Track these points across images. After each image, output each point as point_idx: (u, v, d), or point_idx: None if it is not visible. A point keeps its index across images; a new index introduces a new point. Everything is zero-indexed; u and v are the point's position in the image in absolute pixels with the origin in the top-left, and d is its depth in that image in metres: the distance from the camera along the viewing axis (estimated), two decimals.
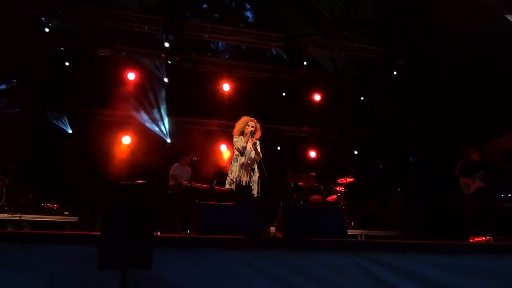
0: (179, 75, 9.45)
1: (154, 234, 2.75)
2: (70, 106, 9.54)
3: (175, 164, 7.67)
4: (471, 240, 5.93)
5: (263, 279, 3.25)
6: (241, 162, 5.32)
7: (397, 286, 3.43)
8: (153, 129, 10.08)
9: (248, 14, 14.09)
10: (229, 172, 5.39)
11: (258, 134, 5.48)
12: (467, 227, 6.27)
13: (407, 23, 8.69)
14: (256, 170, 5.37)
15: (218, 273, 3.20)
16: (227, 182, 5.38)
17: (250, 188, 5.28)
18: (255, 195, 5.28)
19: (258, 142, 5.39)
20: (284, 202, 7.83)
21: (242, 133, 5.46)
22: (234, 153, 5.46)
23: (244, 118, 5.53)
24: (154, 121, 10.04)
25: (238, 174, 5.27)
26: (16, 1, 7.85)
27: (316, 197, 8.56)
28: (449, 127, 9.04)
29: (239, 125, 5.51)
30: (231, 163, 5.46)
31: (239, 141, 5.37)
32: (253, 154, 5.33)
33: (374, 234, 8.13)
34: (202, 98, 9.94)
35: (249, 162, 5.32)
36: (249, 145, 5.30)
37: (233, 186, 5.28)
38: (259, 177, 5.37)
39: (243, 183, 5.25)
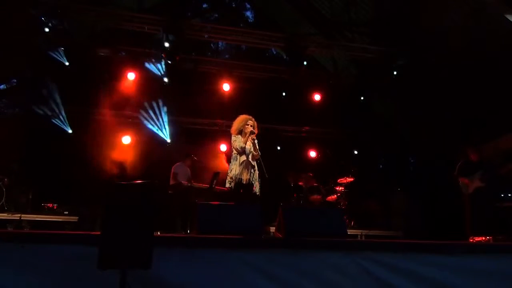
0: (179, 75, 9.45)
1: (154, 234, 2.75)
2: (70, 106, 9.53)
3: (176, 163, 7.68)
4: (471, 240, 5.94)
5: (263, 279, 3.26)
6: (241, 161, 5.32)
7: (397, 286, 3.43)
8: (153, 129, 10.08)
9: (248, 14, 14.12)
10: (228, 171, 5.39)
11: (256, 132, 5.49)
12: (467, 227, 6.27)
13: (407, 23, 8.69)
14: (256, 167, 5.37)
15: (218, 272, 3.20)
16: (227, 181, 5.38)
17: (252, 185, 5.27)
18: (257, 193, 5.29)
19: (256, 140, 5.39)
20: (284, 202, 7.84)
21: (240, 132, 5.45)
22: (233, 152, 5.45)
23: (243, 117, 5.51)
24: (154, 121, 10.04)
25: (238, 173, 5.27)
26: (16, 1, 7.85)
27: (316, 197, 8.57)
28: (449, 127, 9.04)
29: (237, 124, 5.49)
30: (230, 162, 5.46)
31: (237, 141, 5.36)
32: (251, 151, 5.34)
33: (374, 234, 8.13)
34: (202, 98, 9.93)
35: (249, 160, 5.32)
36: (249, 143, 5.30)
37: (232, 185, 5.27)
38: (258, 176, 5.37)
39: (244, 181, 5.25)
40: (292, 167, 9.33)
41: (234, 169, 5.31)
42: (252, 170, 5.33)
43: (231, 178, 5.30)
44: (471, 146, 6.65)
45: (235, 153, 5.38)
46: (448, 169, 6.85)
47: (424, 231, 7.91)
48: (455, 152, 7.47)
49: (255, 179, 5.33)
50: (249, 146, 5.31)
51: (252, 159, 5.33)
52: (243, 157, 5.32)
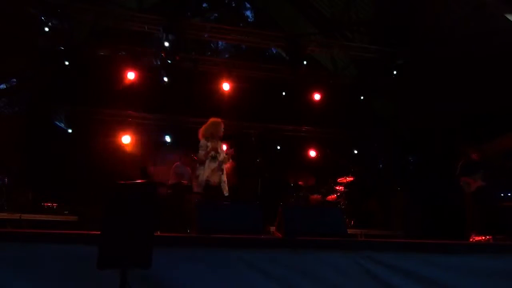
0: (179, 75, 9.45)
1: (154, 233, 2.75)
2: (70, 105, 9.53)
3: (176, 163, 7.68)
4: (471, 240, 5.94)
5: (262, 278, 3.26)
6: (212, 167, 5.31)
7: (397, 285, 3.43)
8: (152, 128, 10.08)
9: (248, 13, 14.14)
10: (195, 176, 5.38)
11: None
12: (469, 226, 6.27)
13: (407, 23, 8.68)
14: (224, 171, 5.42)
15: (218, 272, 3.20)
16: (195, 185, 5.37)
17: (220, 188, 5.30)
18: (226, 194, 5.34)
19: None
20: (284, 202, 7.85)
21: (211, 136, 5.44)
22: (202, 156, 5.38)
23: (216, 120, 5.54)
24: (153, 120, 10.04)
25: (208, 176, 5.26)
26: (16, 0, 7.84)
27: (316, 196, 8.57)
28: (449, 127, 9.04)
29: (212, 128, 5.50)
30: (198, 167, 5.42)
31: (209, 146, 5.36)
32: (222, 156, 5.38)
33: (374, 234, 8.13)
34: (202, 98, 9.94)
35: (217, 163, 5.34)
36: (219, 146, 5.35)
37: (200, 189, 5.28)
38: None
39: (213, 184, 5.26)
40: (292, 166, 9.33)
41: (202, 174, 5.28)
42: (221, 173, 5.34)
43: (199, 183, 5.27)
44: (472, 145, 6.66)
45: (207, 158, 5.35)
46: (448, 168, 6.85)
47: (424, 231, 7.92)
48: (455, 151, 7.47)
49: (224, 182, 5.37)
50: (220, 148, 5.36)
51: (221, 164, 5.35)
52: (214, 164, 5.32)
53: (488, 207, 6.19)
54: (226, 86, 9.56)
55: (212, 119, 5.58)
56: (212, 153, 5.28)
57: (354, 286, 3.37)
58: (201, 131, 5.53)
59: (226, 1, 13.72)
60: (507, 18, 7.05)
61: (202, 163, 5.33)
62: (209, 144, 5.37)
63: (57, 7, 7.56)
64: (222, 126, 5.49)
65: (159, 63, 8.81)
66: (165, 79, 9.17)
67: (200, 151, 5.34)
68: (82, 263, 2.86)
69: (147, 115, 10.02)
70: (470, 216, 6.28)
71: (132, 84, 9.27)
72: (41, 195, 8.03)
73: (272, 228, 6.18)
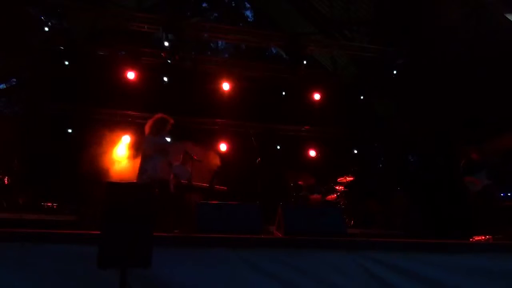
0: (179, 74, 9.44)
1: (154, 233, 2.75)
2: (69, 105, 9.52)
3: (176, 163, 7.66)
4: (471, 240, 5.93)
5: (262, 277, 3.26)
6: (161, 163, 5.36)
7: (396, 285, 3.43)
8: None
9: (248, 13, 14.14)
10: (148, 172, 5.29)
11: None
12: (473, 225, 6.25)
13: (407, 23, 8.68)
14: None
15: (217, 271, 3.20)
16: (142, 178, 5.31)
17: (167, 183, 5.53)
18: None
19: None
20: (283, 201, 7.84)
21: (157, 131, 5.46)
22: (151, 151, 5.37)
23: (163, 117, 5.55)
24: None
25: (158, 172, 5.29)
26: (16, 0, 7.84)
27: (316, 196, 8.56)
28: (448, 126, 9.04)
29: (159, 124, 5.49)
30: (144, 162, 5.37)
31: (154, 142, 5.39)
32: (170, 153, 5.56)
33: (374, 234, 8.12)
34: (201, 97, 9.93)
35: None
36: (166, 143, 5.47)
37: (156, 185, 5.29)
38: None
39: (159, 179, 5.32)
40: (291, 166, 9.32)
41: (152, 168, 5.26)
42: (168, 169, 5.56)
43: (148, 176, 5.21)
44: (473, 145, 6.66)
45: (153, 153, 5.34)
46: (448, 168, 6.85)
47: (424, 231, 7.91)
48: (454, 151, 7.47)
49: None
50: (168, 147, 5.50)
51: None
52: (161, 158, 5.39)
53: (495, 205, 6.18)
54: (226, 86, 9.55)
55: (159, 115, 5.58)
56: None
57: (353, 286, 3.37)
58: (148, 126, 5.53)
59: (226, 1, 13.73)
60: (507, 18, 7.05)
61: (150, 158, 5.33)
62: (158, 141, 5.41)
63: (57, 7, 7.56)
64: (170, 123, 5.52)
65: (159, 63, 8.82)
66: (165, 79, 9.16)
67: (146, 146, 5.37)
68: (82, 263, 2.86)
69: (147, 115, 10.00)
70: (476, 214, 6.26)
71: (132, 84, 9.26)
72: (41, 195, 8.02)
73: (272, 228, 6.19)
